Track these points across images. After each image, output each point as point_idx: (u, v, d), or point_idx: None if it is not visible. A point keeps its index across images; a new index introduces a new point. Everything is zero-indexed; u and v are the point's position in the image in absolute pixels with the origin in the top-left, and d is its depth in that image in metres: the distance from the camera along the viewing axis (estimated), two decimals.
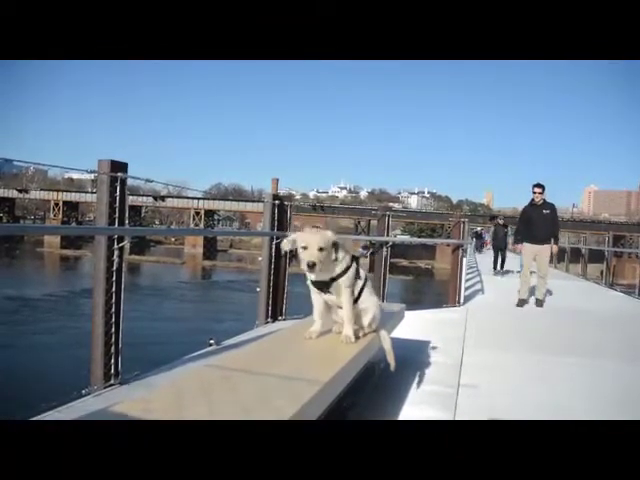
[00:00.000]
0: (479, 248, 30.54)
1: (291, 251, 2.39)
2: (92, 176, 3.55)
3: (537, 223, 7.36)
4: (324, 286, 2.38)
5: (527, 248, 7.55)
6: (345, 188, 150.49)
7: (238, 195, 79.79)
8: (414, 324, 5.09)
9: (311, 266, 2.22)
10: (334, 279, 2.35)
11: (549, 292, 8.13)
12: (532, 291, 7.76)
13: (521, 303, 7.59)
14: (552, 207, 7.48)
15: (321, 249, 2.23)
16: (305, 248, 2.23)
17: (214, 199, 60.67)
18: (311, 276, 2.35)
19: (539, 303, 7.53)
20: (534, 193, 7.43)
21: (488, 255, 27.71)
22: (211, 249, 50.05)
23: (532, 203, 7.49)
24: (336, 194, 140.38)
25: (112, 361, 3.29)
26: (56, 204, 57.40)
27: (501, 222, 15.17)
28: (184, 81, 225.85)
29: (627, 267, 27.92)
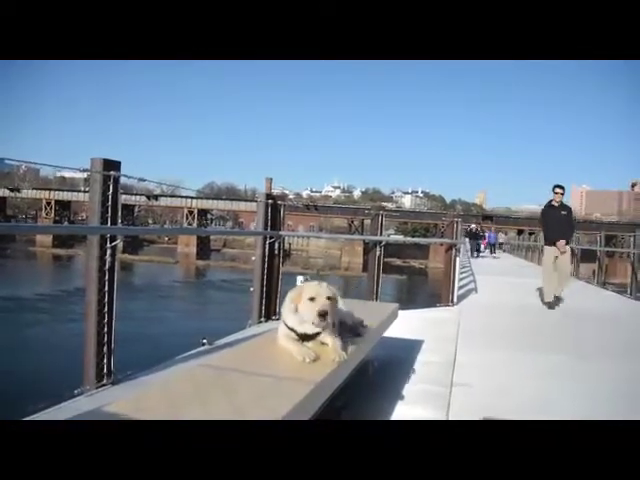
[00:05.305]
0: (475, 250, 24.94)
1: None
2: (85, 175, 3.52)
3: (556, 224, 7.53)
4: (311, 338, 2.22)
5: (548, 250, 7.68)
6: (338, 187, 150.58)
7: (231, 194, 79.61)
8: (408, 323, 5.10)
9: (323, 315, 2.08)
10: (318, 332, 2.21)
11: (540, 292, 8.16)
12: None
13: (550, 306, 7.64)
14: (569, 208, 7.73)
15: (329, 298, 2.13)
16: (313, 299, 2.11)
17: (207, 198, 60.56)
18: (297, 327, 2.18)
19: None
20: (555, 194, 7.59)
21: (490, 261, 22.70)
22: (204, 248, 50.02)
23: (551, 204, 7.66)
24: (329, 193, 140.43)
25: (105, 361, 3.27)
26: (48, 203, 57.11)
27: None
28: (178, 80, 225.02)
29: (619, 266, 28.07)
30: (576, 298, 9.05)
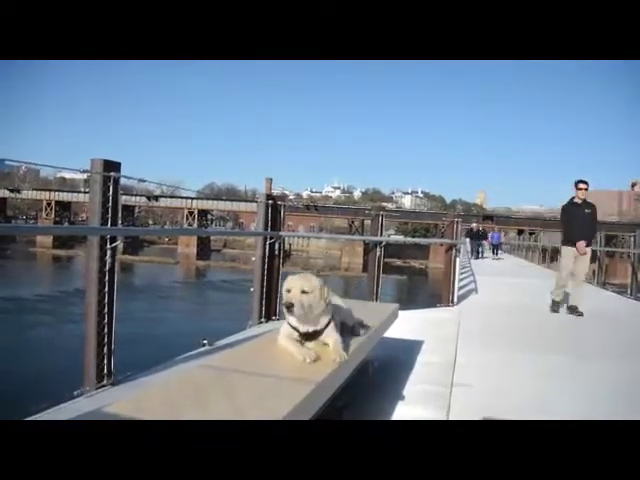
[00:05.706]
0: (476, 251, 22.96)
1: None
2: (85, 176, 3.53)
3: (578, 223, 6.85)
4: (313, 337, 2.26)
5: (567, 250, 7.00)
6: (339, 188, 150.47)
7: (232, 195, 79.60)
8: (408, 324, 5.10)
9: (289, 307, 2.13)
10: (320, 331, 2.25)
11: (541, 292, 8.15)
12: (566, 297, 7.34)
13: (555, 307, 7.22)
14: (593, 207, 7.01)
15: (304, 292, 2.14)
16: (289, 291, 2.16)
17: (207, 199, 60.54)
18: (300, 326, 2.23)
19: (573, 310, 6.97)
20: (578, 190, 6.90)
21: (491, 262, 21.32)
22: (205, 249, 49.98)
23: (573, 201, 6.99)
24: (330, 194, 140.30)
25: (105, 362, 3.27)
26: (48, 204, 57.09)
27: None
28: (178, 80, 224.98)
29: (619, 266, 28.09)
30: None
